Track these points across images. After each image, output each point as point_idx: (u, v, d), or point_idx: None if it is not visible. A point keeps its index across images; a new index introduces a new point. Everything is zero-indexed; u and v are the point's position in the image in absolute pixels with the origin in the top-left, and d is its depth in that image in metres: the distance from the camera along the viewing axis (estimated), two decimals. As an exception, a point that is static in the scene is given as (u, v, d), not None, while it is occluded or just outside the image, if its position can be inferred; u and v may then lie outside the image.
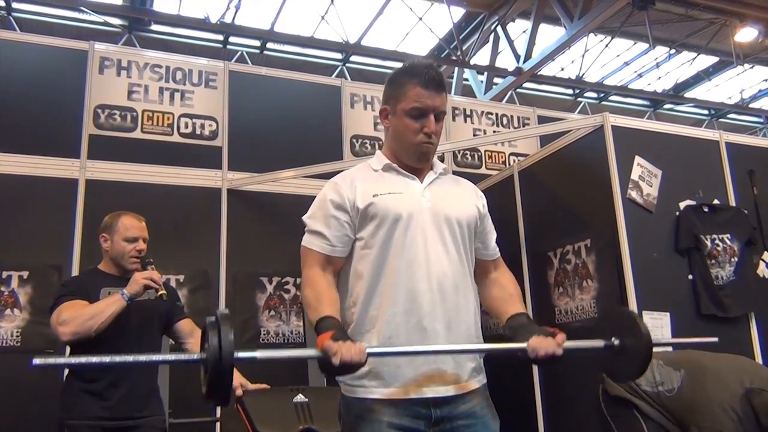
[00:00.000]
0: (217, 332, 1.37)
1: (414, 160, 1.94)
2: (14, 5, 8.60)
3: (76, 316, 2.51)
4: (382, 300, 1.80)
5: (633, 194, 3.80)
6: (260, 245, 4.55)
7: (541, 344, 1.67)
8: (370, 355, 1.56)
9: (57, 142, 4.32)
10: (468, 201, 1.99)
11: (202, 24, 8.67)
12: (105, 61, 4.52)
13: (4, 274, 3.95)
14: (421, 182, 1.94)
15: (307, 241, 1.88)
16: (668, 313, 3.64)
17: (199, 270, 4.39)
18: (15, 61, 4.40)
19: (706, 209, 3.95)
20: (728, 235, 3.96)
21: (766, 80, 11.25)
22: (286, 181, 4.58)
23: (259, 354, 1.47)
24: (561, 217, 4.18)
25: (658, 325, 3.66)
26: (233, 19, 8.79)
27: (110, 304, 2.55)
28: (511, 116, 5.71)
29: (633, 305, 3.53)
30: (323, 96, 5.09)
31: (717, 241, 3.92)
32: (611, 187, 3.75)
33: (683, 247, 3.84)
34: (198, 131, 4.62)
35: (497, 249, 2.07)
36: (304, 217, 1.93)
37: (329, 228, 1.86)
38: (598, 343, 1.79)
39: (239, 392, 2.59)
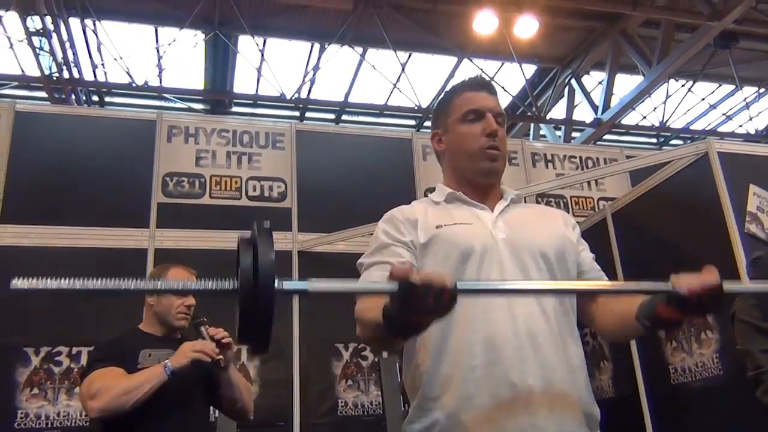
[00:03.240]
0: (252, 251, 0.97)
1: (482, 175, 1.53)
2: (107, 99, 8.86)
3: (109, 388, 2.11)
4: (457, 354, 1.34)
5: (752, 228, 3.18)
6: (334, 309, 4.11)
7: (691, 276, 1.16)
8: (458, 288, 1.05)
9: (126, 212, 4.14)
10: (554, 229, 1.53)
11: (279, 100, 8.63)
12: (173, 129, 4.35)
13: (74, 350, 3.68)
14: (492, 211, 1.51)
15: (366, 275, 1.46)
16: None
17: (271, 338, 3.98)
18: (88, 135, 4.29)
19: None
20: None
21: None
22: (359, 240, 4.18)
23: (310, 285, 1.02)
24: (666, 260, 3.56)
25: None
26: (308, 94, 8.75)
27: (149, 378, 2.14)
28: (597, 158, 5.16)
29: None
30: (394, 150, 4.73)
31: None
32: (725, 222, 3.15)
33: (820, 287, 3.15)
34: (266, 193, 4.33)
35: (600, 271, 1.56)
36: (361, 259, 1.51)
37: (391, 256, 1.44)
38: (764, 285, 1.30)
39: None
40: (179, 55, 7.97)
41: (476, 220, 1.48)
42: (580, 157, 5.21)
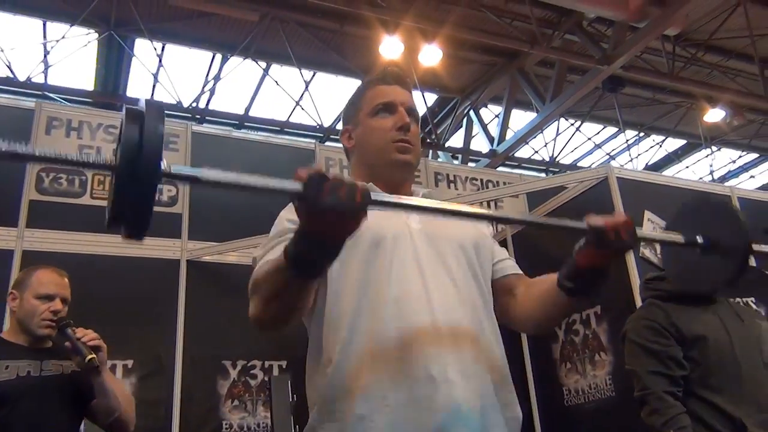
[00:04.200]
0: (138, 124, 0.83)
1: (393, 168, 1.39)
2: None
3: None
4: (366, 348, 1.16)
5: (646, 252, 3.22)
6: (223, 324, 3.80)
7: (605, 220, 1.14)
8: (373, 201, 0.95)
9: (-8, 208, 3.64)
10: (467, 224, 1.40)
11: (174, 109, 8.20)
12: (53, 120, 3.92)
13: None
14: None
15: (259, 268, 1.25)
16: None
17: (151, 354, 3.61)
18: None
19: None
20: (752, 299, 3.37)
21: (733, 161, 11.04)
22: (254, 252, 3.91)
23: (203, 173, 0.90)
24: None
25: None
26: (207, 104, 8.40)
27: None
28: (497, 181, 5.17)
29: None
30: (297, 161, 4.49)
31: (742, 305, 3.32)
32: (622, 246, 3.16)
33: (705, 311, 3.23)
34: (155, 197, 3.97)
35: (516, 266, 1.45)
36: (256, 252, 1.30)
37: None
38: (676, 237, 1.28)
39: None
40: (69, 54, 7.42)
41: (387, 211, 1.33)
42: (481, 180, 5.20)
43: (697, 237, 1.27)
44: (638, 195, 3.33)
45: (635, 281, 3.09)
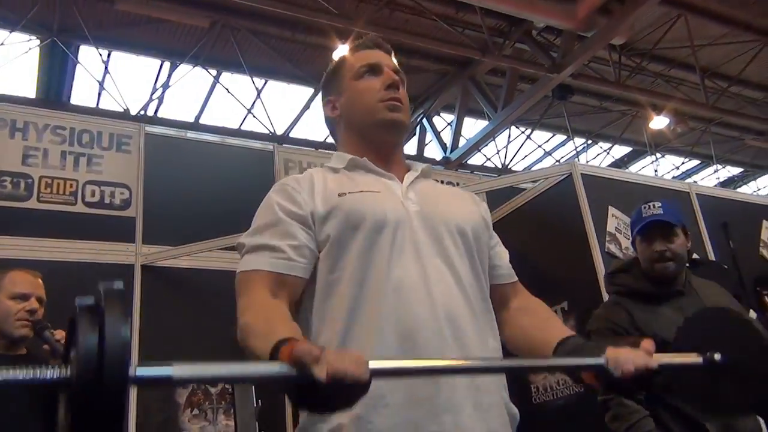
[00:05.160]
0: (97, 324, 0.68)
1: (383, 128, 1.31)
2: None
3: None
4: (364, 342, 1.07)
5: (612, 248, 3.23)
6: (180, 330, 3.63)
7: (627, 355, 1.00)
8: (374, 373, 0.83)
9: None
10: (468, 206, 1.34)
11: (122, 117, 7.94)
12: (-4, 121, 3.70)
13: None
14: (401, 182, 1.28)
15: (247, 262, 1.15)
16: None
17: (104, 363, 3.43)
18: None
19: (686, 264, 3.41)
20: (713, 292, 3.41)
21: (677, 167, 11.37)
22: (210, 255, 3.76)
23: (175, 370, 0.75)
24: (528, 279, 3.53)
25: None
26: (156, 112, 8.17)
27: None
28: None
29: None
30: (254, 163, 4.37)
31: (703, 299, 3.35)
32: (587, 242, 3.17)
33: (669, 305, 3.25)
34: (107, 200, 3.78)
35: (512, 270, 1.39)
36: (241, 238, 1.20)
37: (282, 238, 1.15)
38: (694, 357, 1.07)
39: None
40: (8, 60, 7.10)
41: (384, 189, 1.25)
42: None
43: (715, 355, 1.06)
44: (602, 191, 3.34)
45: (601, 276, 3.08)
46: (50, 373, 0.68)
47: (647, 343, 1.03)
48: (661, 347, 1.06)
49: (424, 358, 1.04)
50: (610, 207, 3.29)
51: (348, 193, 1.20)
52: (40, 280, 2.17)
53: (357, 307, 1.10)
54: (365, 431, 1.02)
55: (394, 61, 1.41)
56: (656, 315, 2.23)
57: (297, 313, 1.17)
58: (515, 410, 1.20)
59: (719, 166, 11.32)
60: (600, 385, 1.04)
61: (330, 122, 1.43)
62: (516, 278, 1.39)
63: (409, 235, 1.17)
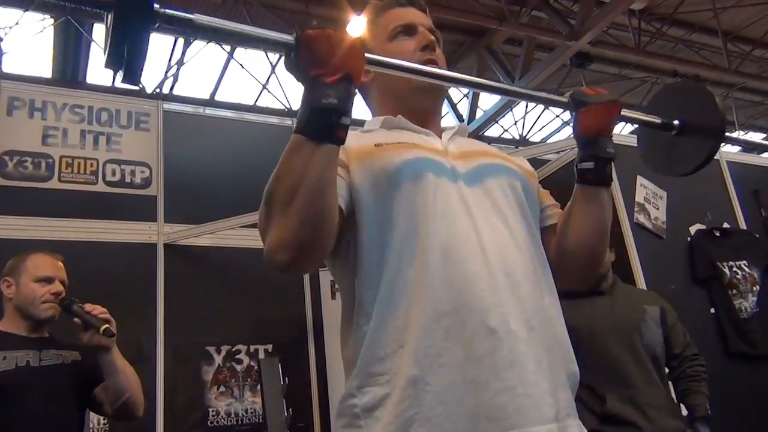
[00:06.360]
0: None
1: (421, 93, 1.23)
2: None
3: None
4: (412, 299, 0.99)
5: (641, 218, 3.15)
6: (205, 309, 3.62)
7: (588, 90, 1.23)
8: (369, 61, 1.05)
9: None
10: (512, 163, 1.24)
11: (137, 95, 7.89)
12: (14, 101, 3.66)
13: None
14: (440, 138, 1.21)
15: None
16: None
17: (131, 341, 3.38)
18: None
19: (717, 234, 3.33)
20: (745, 262, 3.33)
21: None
22: (233, 233, 3.73)
23: (197, 17, 0.95)
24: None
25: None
26: (171, 89, 8.11)
27: None
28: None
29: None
30: (273, 138, 4.30)
31: (735, 269, 3.28)
32: (616, 212, 3.08)
33: (702, 277, 3.18)
34: (128, 179, 3.75)
35: (559, 206, 1.31)
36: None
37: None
38: (654, 118, 1.36)
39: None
40: (24, 40, 7.06)
41: (423, 142, 1.17)
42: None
43: (674, 121, 1.32)
44: (628, 160, 3.23)
45: (631, 248, 3.02)
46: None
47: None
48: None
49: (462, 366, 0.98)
50: (638, 177, 3.20)
51: (385, 143, 1.13)
52: (61, 263, 2.14)
53: (401, 262, 1.02)
54: (423, 393, 0.95)
55: (429, 19, 1.32)
56: (574, 309, 2.28)
57: (338, 269, 1.12)
58: (576, 370, 1.11)
59: (742, 132, 11.09)
60: (587, 114, 1.20)
61: (361, 91, 1.34)
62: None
63: (454, 187, 1.09)
